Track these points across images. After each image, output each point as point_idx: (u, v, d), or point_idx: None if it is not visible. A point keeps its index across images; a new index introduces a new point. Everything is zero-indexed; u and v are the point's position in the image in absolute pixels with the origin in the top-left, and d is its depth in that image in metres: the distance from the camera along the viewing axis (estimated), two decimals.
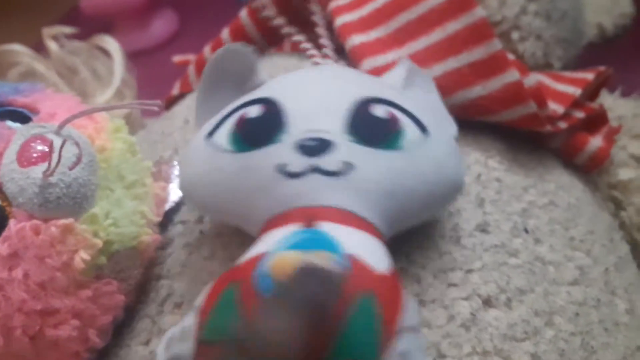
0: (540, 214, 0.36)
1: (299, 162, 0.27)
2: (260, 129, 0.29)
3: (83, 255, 0.28)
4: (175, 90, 0.54)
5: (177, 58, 0.59)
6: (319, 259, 0.23)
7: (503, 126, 0.39)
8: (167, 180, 0.38)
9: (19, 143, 0.29)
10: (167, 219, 0.36)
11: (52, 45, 0.57)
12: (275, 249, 0.25)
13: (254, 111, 0.30)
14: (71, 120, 0.29)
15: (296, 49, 0.52)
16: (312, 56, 0.34)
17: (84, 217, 0.29)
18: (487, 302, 0.31)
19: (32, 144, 0.28)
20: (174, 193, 0.37)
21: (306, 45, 0.34)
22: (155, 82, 0.58)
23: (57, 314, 0.28)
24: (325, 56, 0.35)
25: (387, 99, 0.30)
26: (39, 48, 0.57)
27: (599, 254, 0.36)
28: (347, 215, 0.27)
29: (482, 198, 0.35)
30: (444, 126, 0.33)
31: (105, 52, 0.58)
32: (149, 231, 0.33)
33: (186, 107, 0.47)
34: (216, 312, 0.25)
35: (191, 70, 0.52)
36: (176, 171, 0.39)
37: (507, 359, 0.29)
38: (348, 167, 0.27)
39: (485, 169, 0.37)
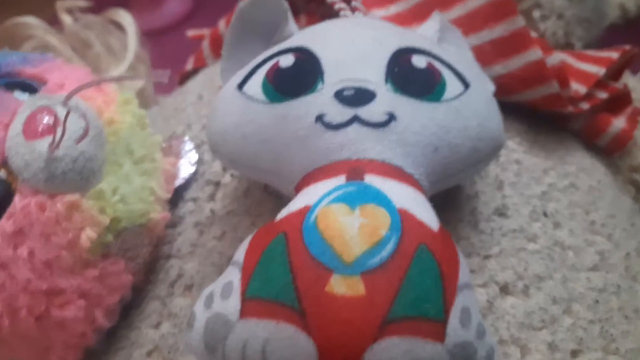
0: (560, 197, 0.35)
1: (339, 112, 0.26)
2: (295, 78, 0.28)
3: (89, 232, 0.27)
4: (189, 65, 0.53)
5: (191, 32, 0.58)
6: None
7: (523, 106, 0.38)
8: (178, 155, 0.37)
9: (25, 115, 0.28)
10: (177, 196, 0.36)
11: (66, 19, 0.56)
12: (322, 202, 0.24)
13: (286, 60, 0.28)
14: (79, 91, 0.28)
15: (312, 22, 0.51)
16: (340, 9, 0.33)
17: (91, 193, 0.28)
18: (504, 290, 0.30)
19: (38, 116, 0.28)
20: (185, 169, 0.36)
21: None
22: (169, 62, 0.57)
23: (62, 294, 0.28)
24: (355, 9, 0.33)
25: (426, 50, 0.29)
26: (53, 22, 0.57)
27: (619, 238, 0.35)
28: (393, 169, 0.26)
29: (501, 180, 0.34)
30: (482, 81, 0.32)
31: (119, 27, 0.58)
32: (158, 208, 0.32)
33: (200, 82, 0.46)
34: (265, 265, 0.23)
35: (206, 45, 0.51)
36: (187, 147, 0.38)
37: (524, 348, 0.29)
38: (391, 117, 0.26)
39: (504, 150, 0.36)
